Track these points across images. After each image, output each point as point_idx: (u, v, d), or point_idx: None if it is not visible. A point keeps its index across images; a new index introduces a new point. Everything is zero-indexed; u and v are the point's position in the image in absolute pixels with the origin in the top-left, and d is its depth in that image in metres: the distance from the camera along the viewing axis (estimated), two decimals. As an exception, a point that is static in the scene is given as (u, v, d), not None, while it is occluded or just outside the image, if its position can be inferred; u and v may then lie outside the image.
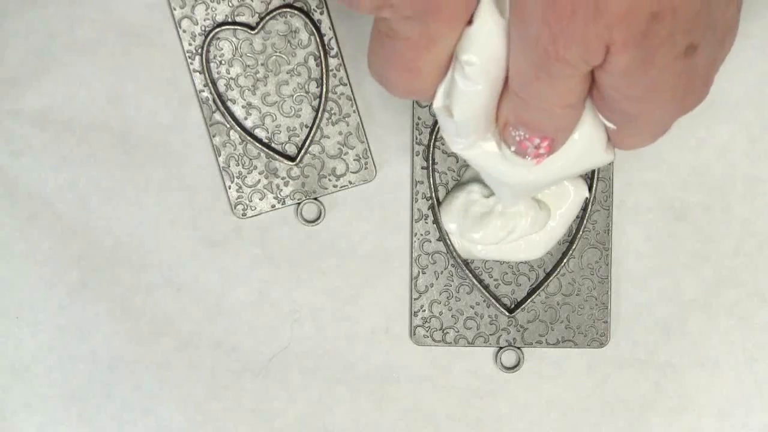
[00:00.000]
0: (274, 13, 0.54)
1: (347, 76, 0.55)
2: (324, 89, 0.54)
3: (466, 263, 0.55)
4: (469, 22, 0.43)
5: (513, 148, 0.45)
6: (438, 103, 0.45)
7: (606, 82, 0.42)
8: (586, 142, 0.46)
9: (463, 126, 0.45)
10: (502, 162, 0.46)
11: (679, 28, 0.40)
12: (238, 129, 0.54)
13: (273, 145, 0.55)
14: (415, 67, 0.44)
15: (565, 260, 0.55)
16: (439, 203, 0.54)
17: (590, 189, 0.54)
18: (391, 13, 0.42)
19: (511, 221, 0.53)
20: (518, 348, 0.55)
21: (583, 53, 0.41)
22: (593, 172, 0.54)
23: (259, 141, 0.55)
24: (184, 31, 0.54)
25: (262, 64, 0.55)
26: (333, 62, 0.55)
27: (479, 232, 0.54)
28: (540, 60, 0.41)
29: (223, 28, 0.54)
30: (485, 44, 0.43)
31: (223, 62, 0.55)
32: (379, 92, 0.55)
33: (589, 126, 0.45)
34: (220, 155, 0.55)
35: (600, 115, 0.45)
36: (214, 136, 0.55)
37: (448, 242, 0.54)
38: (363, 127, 0.55)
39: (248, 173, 0.55)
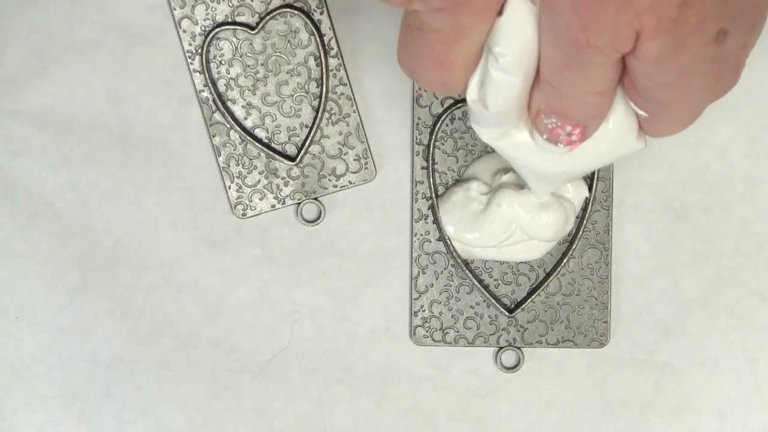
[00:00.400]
0: (274, 13, 0.54)
1: (347, 76, 0.55)
2: (324, 89, 0.54)
3: (466, 263, 0.55)
4: (500, 13, 0.43)
5: (545, 136, 0.45)
6: (472, 95, 0.45)
7: (637, 69, 0.42)
8: (617, 130, 0.46)
9: (497, 117, 0.45)
10: (534, 151, 0.46)
11: (709, 13, 0.40)
12: (238, 129, 0.54)
13: (273, 145, 0.55)
14: (446, 60, 0.44)
15: (565, 260, 0.55)
16: (438, 196, 0.54)
17: (590, 189, 0.54)
18: (421, 5, 0.42)
19: (512, 224, 0.53)
20: (518, 348, 0.55)
21: (613, 41, 0.41)
22: (593, 172, 0.54)
23: (259, 141, 0.55)
24: (184, 31, 0.54)
25: (262, 64, 0.55)
26: (333, 62, 0.55)
27: (475, 233, 0.54)
28: (571, 48, 0.41)
29: (223, 28, 0.54)
30: (517, 35, 0.43)
31: (223, 62, 0.55)
32: (380, 92, 0.55)
33: (621, 114, 0.45)
34: (220, 155, 0.55)
35: (631, 102, 0.45)
36: (214, 136, 0.55)
37: (448, 242, 0.54)
38: (363, 127, 0.55)
39: (248, 173, 0.55)
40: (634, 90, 0.44)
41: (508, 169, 0.54)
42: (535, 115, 0.45)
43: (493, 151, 0.53)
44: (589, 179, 0.54)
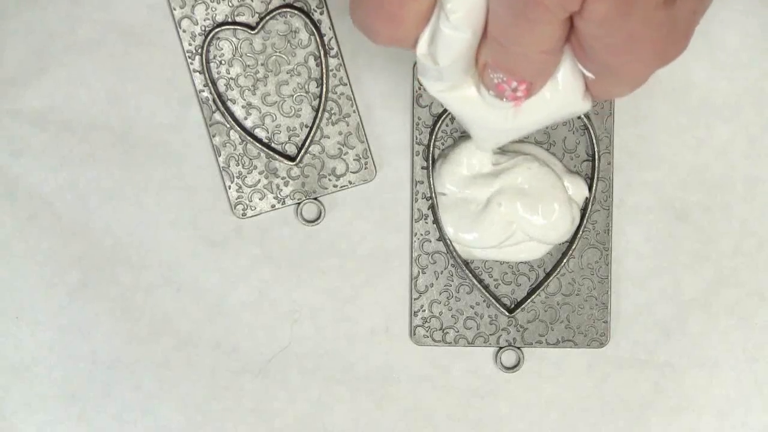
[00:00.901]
0: (274, 13, 0.54)
1: (347, 75, 0.55)
2: (324, 89, 0.54)
3: (466, 263, 0.55)
4: None
5: (491, 91, 0.45)
6: (422, 50, 0.45)
7: (585, 30, 0.42)
8: (564, 89, 0.46)
9: (446, 71, 0.45)
10: (480, 106, 0.47)
11: None
12: (238, 129, 0.54)
13: (273, 145, 0.55)
14: (398, 15, 0.44)
15: (565, 260, 0.55)
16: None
17: (590, 189, 0.54)
18: None
19: (512, 225, 0.53)
20: (518, 348, 0.55)
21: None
22: (593, 171, 0.54)
23: (259, 141, 0.55)
24: (184, 31, 0.54)
25: (262, 64, 0.55)
26: (333, 62, 0.55)
27: (475, 233, 0.54)
28: (518, 5, 0.42)
29: (223, 28, 0.54)
30: None
31: (223, 62, 0.55)
32: (380, 92, 0.55)
33: (568, 73, 0.45)
34: (220, 155, 0.55)
35: (579, 64, 0.45)
36: (214, 136, 0.55)
37: (448, 242, 0.54)
38: (363, 127, 0.55)
39: (248, 173, 0.55)
40: (582, 51, 0.44)
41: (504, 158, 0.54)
42: (482, 69, 0.45)
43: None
44: (589, 179, 0.54)
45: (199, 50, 0.54)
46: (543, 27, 0.42)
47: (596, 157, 0.54)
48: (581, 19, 0.42)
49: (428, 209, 0.55)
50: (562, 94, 0.46)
